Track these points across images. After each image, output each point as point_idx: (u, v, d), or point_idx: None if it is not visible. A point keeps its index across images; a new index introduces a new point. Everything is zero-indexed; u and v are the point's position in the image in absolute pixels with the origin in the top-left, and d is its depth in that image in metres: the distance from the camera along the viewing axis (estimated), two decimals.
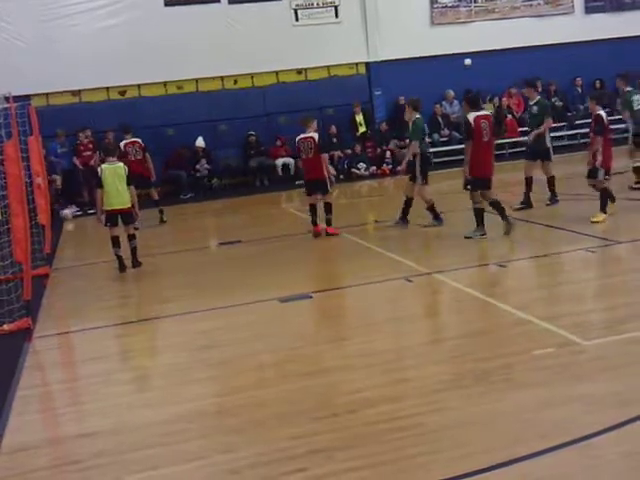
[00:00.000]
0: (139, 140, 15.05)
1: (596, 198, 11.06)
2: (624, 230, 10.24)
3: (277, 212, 16.32)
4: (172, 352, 7.40)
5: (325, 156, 12.29)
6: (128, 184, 10.96)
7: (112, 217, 10.97)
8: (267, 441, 5.07)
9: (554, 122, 21.36)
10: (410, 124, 11.64)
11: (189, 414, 5.64)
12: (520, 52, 21.28)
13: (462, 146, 19.22)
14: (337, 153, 19.77)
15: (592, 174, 10.78)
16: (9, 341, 7.98)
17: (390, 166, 19.91)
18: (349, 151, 20.02)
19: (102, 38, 18.73)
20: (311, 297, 8.52)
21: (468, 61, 21.44)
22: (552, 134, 21.18)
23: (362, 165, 20.04)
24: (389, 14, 20.68)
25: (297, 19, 20.41)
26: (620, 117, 16.01)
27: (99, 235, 14.45)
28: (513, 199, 12.71)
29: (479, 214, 10.61)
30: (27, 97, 15.20)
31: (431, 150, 15.87)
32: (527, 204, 12.41)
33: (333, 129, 19.96)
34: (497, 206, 10.58)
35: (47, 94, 18.80)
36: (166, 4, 19.47)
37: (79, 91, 19.20)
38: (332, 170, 15.06)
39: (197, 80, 19.93)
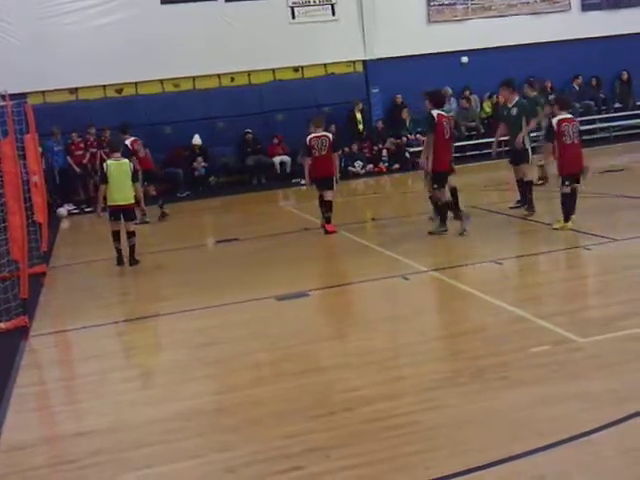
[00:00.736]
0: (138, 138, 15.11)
1: (591, 196, 11.08)
2: (620, 227, 10.25)
3: (274, 210, 16.32)
4: (169, 350, 7.40)
5: (336, 154, 12.68)
6: (133, 181, 11.03)
7: (115, 212, 11.06)
8: (263, 439, 5.06)
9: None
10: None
11: (186, 412, 5.63)
12: (517, 50, 21.29)
13: (458, 143, 19.58)
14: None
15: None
16: (6, 339, 7.97)
17: (387, 164, 19.91)
18: (346, 149, 20.01)
19: (99, 36, 18.71)
20: (308, 295, 8.52)
21: (465, 59, 21.45)
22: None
23: (359, 163, 20.04)
24: (386, 12, 20.67)
25: (294, 17, 20.40)
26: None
27: (96, 233, 14.47)
28: (511, 196, 12.73)
29: (443, 210, 10.90)
30: (23, 95, 15.19)
31: None
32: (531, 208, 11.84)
33: (332, 128, 19.91)
34: (449, 206, 10.96)
35: (43, 92, 18.78)
36: (162, 2, 19.45)
37: (76, 89, 19.17)
38: None
39: (194, 78, 19.91)
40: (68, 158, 18.47)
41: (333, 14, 20.67)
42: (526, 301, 7.55)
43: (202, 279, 9.89)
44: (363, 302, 8.51)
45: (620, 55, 21.59)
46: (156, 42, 18.82)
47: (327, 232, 11.99)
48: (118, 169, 10.98)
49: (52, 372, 7.29)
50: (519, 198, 12.32)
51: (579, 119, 21.07)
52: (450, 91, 20.68)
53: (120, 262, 11.02)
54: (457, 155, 17.31)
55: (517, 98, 12.29)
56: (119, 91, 19.55)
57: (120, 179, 10.93)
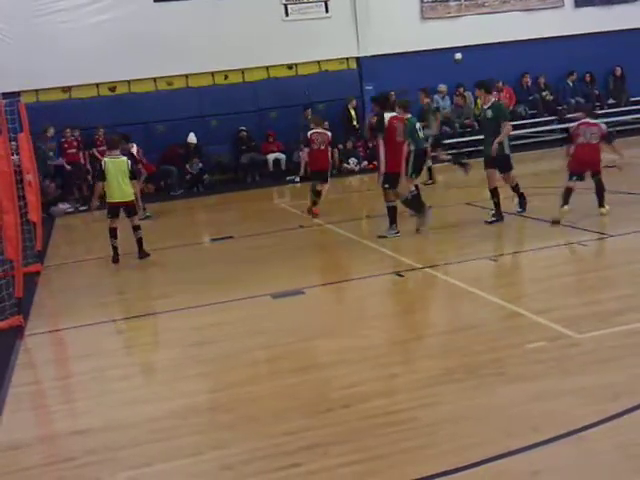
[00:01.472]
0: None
1: (586, 192, 11.09)
2: (616, 223, 10.26)
3: (268, 208, 16.31)
4: (165, 348, 7.40)
5: (334, 150, 13.60)
6: (132, 178, 11.06)
7: (113, 209, 11.16)
8: (261, 437, 5.07)
9: (546, 116, 21.64)
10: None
11: (182, 410, 5.63)
12: (510, 46, 21.31)
13: (452, 140, 19.61)
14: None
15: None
16: (0, 339, 7.96)
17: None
18: (341, 147, 20.00)
19: (92, 34, 18.66)
20: (304, 292, 8.52)
21: (458, 55, 21.45)
22: (544, 128, 21.61)
23: (354, 160, 20.04)
24: (379, 9, 20.66)
25: (287, 14, 20.37)
26: None
27: (91, 232, 14.46)
28: (505, 192, 12.73)
29: (393, 213, 10.97)
30: (16, 94, 15.14)
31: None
32: (499, 217, 11.22)
33: (326, 125, 19.87)
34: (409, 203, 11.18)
35: (37, 90, 18.72)
36: (155, 0, 19.40)
37: (69, 87, 19.11)
38: None
39: (187, 76, 19.88)
40: (60, 158, 18.39)
41: (327, 11, 20.65)
42: (522, 297, 7.57)
43: (198, 277, 9.88)
44: (358, 299, 8.52)
45: (613, 51, 21.62)
46: (149, 40, 18.77)
47: (314, 215, 12.74)
48: (115, 167, 11.01)
49: (47, 371, 7.28)
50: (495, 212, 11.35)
51: (574, 115, 21.42)
52: (445, 88, 20.68)
53: (115, 260, 11.05)
54: (453, 152, 17.40)
55: (493, 99, 11.68)
56: (112, 89, 19.50)
57: (117, 177, 10.98)
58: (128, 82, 19.50)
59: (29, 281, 9.94)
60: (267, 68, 20.40)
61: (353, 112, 20.47)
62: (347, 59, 21.07)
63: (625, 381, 5.31)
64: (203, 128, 19.58)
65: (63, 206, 17.95)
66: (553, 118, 21.77)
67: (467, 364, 5.92)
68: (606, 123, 21.51)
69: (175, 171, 19.06)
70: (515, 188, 11.70)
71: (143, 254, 11.16)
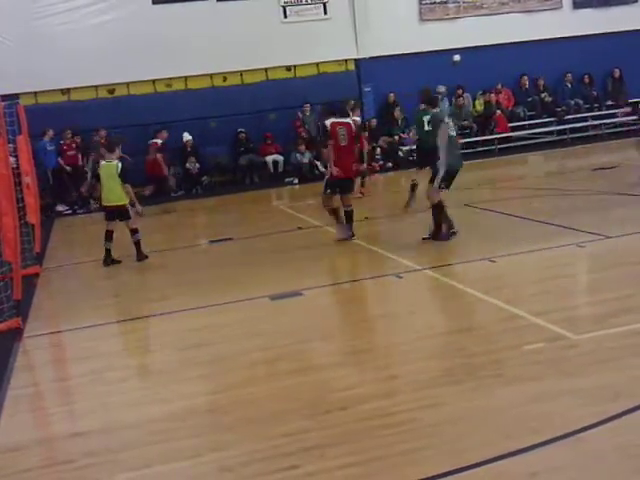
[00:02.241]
0: None
1: (584, 193, 11.10)
2: (613, 224, 10.26)
3: (267, 209, 16.32)
4: (163, 350, 7.39)
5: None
6: (122, 182, 11.07)
7: (106, 213, 11.33)
8: (260, 438, 5.07)
9: (545, 117, 21.65)
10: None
11: (181, 412, 5.63)
12: (509, 48, 21.34)
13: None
14: None
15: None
16: None
17: (381, 162, 19.90)
18: None
19: (90, 36, 18.66)
20: (302, 294, 8.52)
21: (457, 57, 21.45)
22: (541, 129, 21.63)
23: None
24: (378, 10, 20.67)
25: (286, 16, 20.39)
26: None
27: (89, 234, 14.45)
28: (504, 194, 12.75)
29: (349, 215, 11.12)
30: (15, 96, 15.13)
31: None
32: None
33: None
34: (349, 215, 11.10)
35: (35, 93, 18.71)
36: (154, 2, 19.41)
37: (68, 90, 19.12)
38: None
39: (186, 78, 19.87)
40: (59, 159, 18.40)
41: (325, 13, 20.66)
42: (520, 299, 7.57)
43: (196, 279, 9.88)
44: (357, 301, 8.52)
45: (612, 52, 21.63)
46: (148, 42, 18.77)
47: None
48: (106, 170, 11.16)
49: (46, 373, 7.28)
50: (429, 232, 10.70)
51: (573, 116, 21.43)
52: (444, 89, 20.66)
53: (106, 262, 11.12)
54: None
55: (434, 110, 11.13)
56: (111, 91, 19.50)
57: (107, 180, 11.12)
58: (127, 84, 19.50)
59: (28, 283, 9.93)
60: (266, 70, 20.40)
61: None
62: (345, 61, 21.07)
63: (624, 382, 5.32)
64: (202, 130, 19.58)
65: (61, 207, 17.97)
66: (552, 119, 21.79)
67: (466, 365, 5.93)
68: (605, 124, 21.73)
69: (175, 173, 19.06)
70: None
71: (141, 256, 11.18)
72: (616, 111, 22.03)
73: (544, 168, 17.88)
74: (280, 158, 19.93)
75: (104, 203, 11.28)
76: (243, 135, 19.82)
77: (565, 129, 21.58)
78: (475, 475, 4.34)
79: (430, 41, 20.96)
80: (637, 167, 15.59)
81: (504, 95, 21.74)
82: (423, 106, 11.98)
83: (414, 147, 15.46)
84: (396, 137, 20.37)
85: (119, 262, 11.16)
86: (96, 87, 19.31)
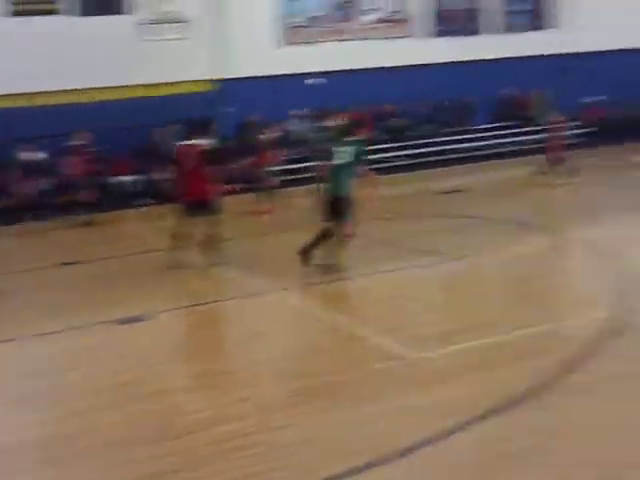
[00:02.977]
0: None
1: (432, 216, 11.49)
2: (455, 247, 10.66)
3: (119, 231, 15.92)
4: (1, 379, 7.04)
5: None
6: None
7: None
8: (104, 466, 4.94)
9: (401, 142, 22.41)
10: None
11: (16, 445, 5.37)
12: (369, 73, 21.94)
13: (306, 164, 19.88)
14: None
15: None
16: None
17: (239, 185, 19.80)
18: None
19: None
20: (153, 318, 8.36)
21: (317, 80, 21.80)
22: (394, 153, 22.37)
23: None
24: (239, 31, 20.70)
25: (143, 35, 20.07)
26: None
27: None
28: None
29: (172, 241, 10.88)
30: None
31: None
32: None
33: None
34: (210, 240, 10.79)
35: None
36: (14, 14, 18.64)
37: None
38: None
39: (31, 94, 19.14)
40: None
41: (184, 33, 20.52)
42: (366, 319, 7.77)
43: (44, 303, 9.48)
44: (209, 323, 8.46)
45: (462, 80, 22.71)
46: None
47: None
48: None
49: None
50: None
51: (425, 141, 22.29)
52: (305, 112, 20.91)
53: None
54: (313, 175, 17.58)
55: None
56: None
57: None
58: None
59: None
60: (122, 88, 19.96)
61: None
62: (205, 81, 20.96)
63: (460, 398, 5.56)
64: (56, 148, 18.86)
65: None
66: (405, 144, 22.53)
67: (314, 386, 6.03)
68: (452, 150, 22.68)
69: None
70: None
71: None
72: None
73: (392, 191, 18.39)
74: (135, 178, 19.52)
75: None
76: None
77: (416, 153, 22.39)
78: None
79: (292, 64, 21.23)
80: (479, 191, 16.41)
81: (363, 120, 22.26)
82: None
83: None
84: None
85: None
86: None
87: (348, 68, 21.68)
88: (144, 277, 10.56)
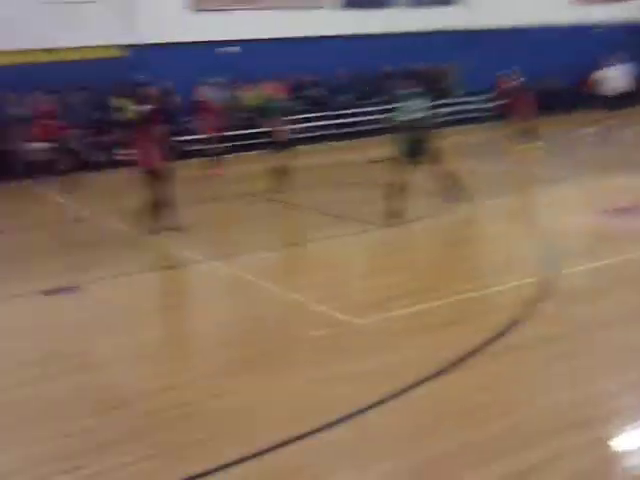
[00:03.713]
0: None
1: (356, 184, 11.52)
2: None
3: (42, 201, 15.37)
4: None
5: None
6: None
7: None
8: (37, 441, 4.77)
9: (318, 112, 22.38)
10: None
11: None
12: (285, 42, 21.75)
13: (231, 133, 19.63)
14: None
15: None
16: None
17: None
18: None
19: None
20: (79, 288, 8.11)
21: (233, 49, 21.50)
22: (315, 123, 22.36)
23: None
24: None
25: None
26: None
27: None
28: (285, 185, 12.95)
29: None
30: None
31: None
32: None
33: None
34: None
35: None
36: None
37: None
38: None
39: None
40: None
41: None
42: (303, 287, 7.73)
43: None
44: (138, 294, 8.26)
45: (380, 52, 22.80)
46: None
47: None
48: None
49: None
50: None
51: (345, 112, 22.28)
52: (221, 81, 20.58)
53: None
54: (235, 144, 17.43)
55: None
56: None
57: None
58: None
59: None
60: (23, 52, 19.10)
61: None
62: (115, 46, 20.30)
63: (400, 362, 5.60)
64: None
65: None
66: (325, 114, 22.52)
67: (252, 354, 5.97)
68: (373, 120, 22.80)
69: None
70: None
71: None
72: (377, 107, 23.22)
73: (321, 160, 18.41)
74: (48, 146, 18.80)
75: None
76: None
77: (338, 124, 22.41)
78: (263, 461, 4.36)
79: (205, 31, 20.82)
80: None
81: (279, 89, 22.10)
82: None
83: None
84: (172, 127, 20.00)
85: None
86: None
87: (262, 37, 21.44)
88: (67, 247, 10.25)
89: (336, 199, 12.39)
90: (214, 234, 10.43)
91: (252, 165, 16.74)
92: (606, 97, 18.00)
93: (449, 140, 17.81)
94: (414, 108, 10.53)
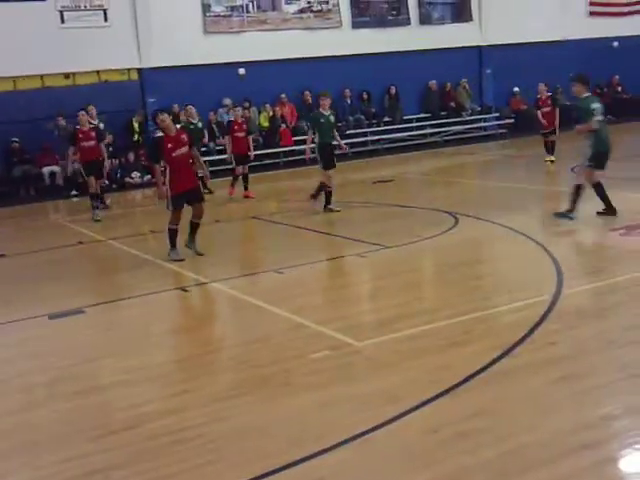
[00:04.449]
0: None
1: (362, 206, 11.54)
2: (390, 235, 10.76)
3: (44, 224, 15.48)
4: None
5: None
6: None
7: None
8: (39, 466, 4.76)
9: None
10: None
11: None
12: (291, 63, 21.89)
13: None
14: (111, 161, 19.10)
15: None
16: None
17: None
18: (123, 160, 19.48)
19: None
20: (84, 312, 8.14)
21: (242, 70, 21.67)
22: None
23: (136, 174, 19.57)
24: (161, 20, 20.41)
25: (63, 21, 19.53)
26: None
27: None
28: (290, 206, 12.98)
29: (173, 236, 10.18)
30: None
31: (208, 158, 16.11)
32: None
33: (110, 138, 19.07)
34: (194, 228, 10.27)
35: None
36: None
37: None
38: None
39: None
40: None
41: (105, 20, 20.05)
42: (305, 308, 7.71)
43: None
44: (143, 316, 8.27)
45: (388, 71, 22.89)
46: None
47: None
48: None
49: None
50: None
51: (354, 131, 22.33)
52: (230, 102, 20.75)
53: None
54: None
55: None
56: None
57: None
58: None
59: None
60: (42, 77, 19.39)
61: (137, 125, 20.05)
62: (128, 70, 20.56)
63: (401, 385, 5.56)
64: None
65: None
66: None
67: (254, 377, 5.95)
68: (382, 140, 22.91)
69: None
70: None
71: None
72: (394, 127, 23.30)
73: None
74: (57, 169, 19.02)
75: None
76: (17, 145, 18.72)
77: (346, 143, 22.44)
78: None
79: (215, 53, 21.00)
80: (411, 180, 16.56)
81: (288, 109, 22.25)
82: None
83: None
84: None
85: None
86: None
87: (270, 58, 21.58)
88: (71, 270, 10.27)
89: (341, 219, 12.38)
90: (217, 256, 10.42)
91: (259, 185, 16.80)
92: None
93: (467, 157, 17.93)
94: (601, 110, 10.52)
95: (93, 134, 14.26)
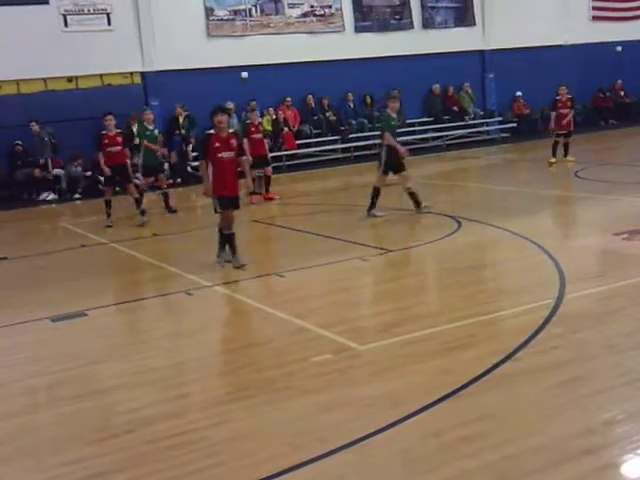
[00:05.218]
0: None
1: (362, 209, 11.52)
2: (394, 239, 10.77)
3: (48, 227, 15.50)
4: None
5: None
6: None
7: None
8: (40, 469, 4.75)
9: (330, 135, 22.45)
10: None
11: None
12: (294, 67, 21.90)
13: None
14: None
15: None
16: None
17: (171, 179, 19.55)
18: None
19: None
20: (86, 315, 8.14)
21: (245, 74, 21.69)
22: (327, 147, 22.45)
23: (139, 176, 19.53)
24: (164, 24, 20.43)
25: (66, 25, 19.56)
26: None
27: None
28: (292, 210, 12.98)
29: (226, 241, 9.89)
30: None
31: None
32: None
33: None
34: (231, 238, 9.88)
35: None
36: None
37: None
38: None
39: None
40: None
41: (109, 24, 20.08)
42: (307, 312, 7.70)
43: None
44: (145, 319, 8.28)
45: (391, 75, 22.89)
46: None
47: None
48: None
49: None
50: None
51: (357, 135, 22.35)
52: (232, 106, 20.75)
53: None
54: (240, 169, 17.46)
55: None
56: None
57: None
58: None
59: None
60: (44, 80, 19.43)
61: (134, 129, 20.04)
62: (131, 73, 20.59)
63: (403, 389, 5.55)
64: None
65: None
66: (337, 138, 22.60)
67: (256, 380, 5.94)
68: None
69: None
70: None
71: None
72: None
73: (330, 184, 18.47)
74: (62, 172, 19.04)
75: None
76: (20, 148, 18.75)
77: (349, 147, 22.48)
78: None
79: (218, 57, 21.03)
80: (414, 183, 16.51)
81: (291, 113, 22.26)
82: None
83: None
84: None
85: None
86: None
87: (273, 62, 21.59)
88: (73, 273, 10.27)
89: (344, 223, 12.38)
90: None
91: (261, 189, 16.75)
92: None
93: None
94: None
95: (120, 139, 14.12)
